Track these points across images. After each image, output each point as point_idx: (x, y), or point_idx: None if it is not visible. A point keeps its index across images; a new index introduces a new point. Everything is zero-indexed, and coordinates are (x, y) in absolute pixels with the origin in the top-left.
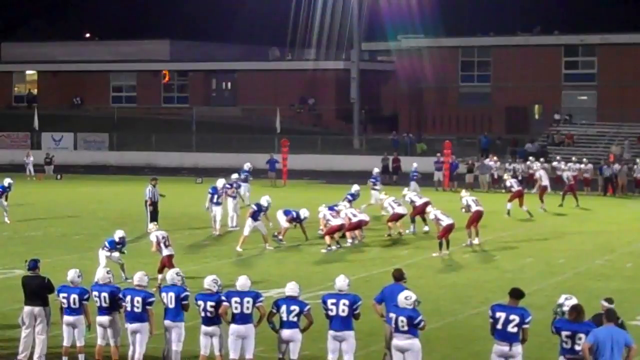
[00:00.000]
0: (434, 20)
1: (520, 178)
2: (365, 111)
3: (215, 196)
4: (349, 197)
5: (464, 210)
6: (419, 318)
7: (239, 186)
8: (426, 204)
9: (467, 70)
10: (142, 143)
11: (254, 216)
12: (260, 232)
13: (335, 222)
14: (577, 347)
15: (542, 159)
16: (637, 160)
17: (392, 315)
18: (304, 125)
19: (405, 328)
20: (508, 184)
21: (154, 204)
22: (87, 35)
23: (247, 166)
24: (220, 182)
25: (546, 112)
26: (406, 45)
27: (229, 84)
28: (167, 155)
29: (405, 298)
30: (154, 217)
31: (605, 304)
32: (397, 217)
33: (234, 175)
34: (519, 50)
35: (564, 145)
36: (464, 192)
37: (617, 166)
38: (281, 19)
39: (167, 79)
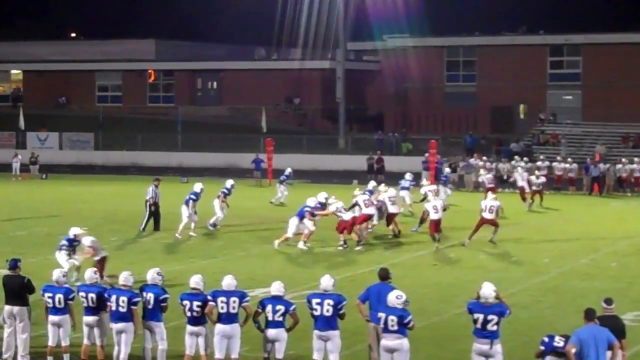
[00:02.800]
0: (419, 20)
1: (505, 177)
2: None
3: (191, 201)
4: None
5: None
6: (409, 318)
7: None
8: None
9: (452, 70)
10: (128, 142)
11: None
12: (303, 230)
13: (346, 216)
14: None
15: (525, 159)
16: (622, 159)
17: (382, 314)
18: (290, 124)
19: (395, 327)
20: (481, 179)
21: (156, 204)
22: (73, 34)
23: (288, 171)
24: (198, 186)
25: (531, 112)
26: (392, 44)
27: (215, 84)
28: (152, 154)
29: (397, 297)
30: (156, 218)
31: (604, 304)
32: (390, 216)
33: (230, 182)
34: (504, 50)
35: (548, 145)
36: (430, 197)
37: (603, 165)
38: (267, 18)
39: (152, 78)
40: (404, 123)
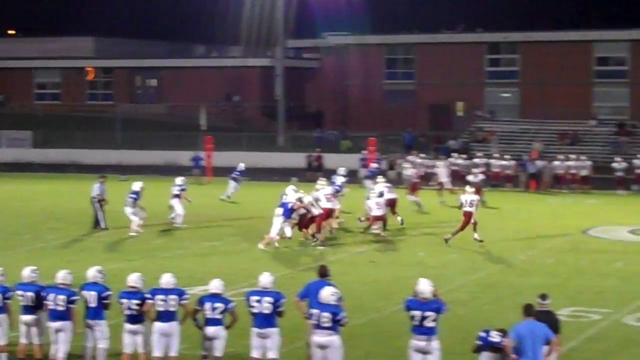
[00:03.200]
0: (359, 18)
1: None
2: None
3: (132, 200)
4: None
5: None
6: (342, 314)
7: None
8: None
9: (391, 68)
10: (66, 140)
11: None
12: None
13: (316, 211)
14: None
15: (464, 155)
16: (558, 156)
17: (315, 311)
18: (229, 122)
19: (328, 324)
20: (406, 172)
21: (102, 201)
22: (11, 32)
23: (241, 166)
24: (137, 185)
25: (469, 109)
26: (332, 42)
27: (154, 81)
28: (91, 152)
29: (331, 294)
30: (104, 213)
31: (539, 300)
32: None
33: (180, 179)
34: (442, 48)
35: (486, 142)
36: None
37: (540, 162)
38: (207, 16)
39: (91, 76)
40: (343, 120)
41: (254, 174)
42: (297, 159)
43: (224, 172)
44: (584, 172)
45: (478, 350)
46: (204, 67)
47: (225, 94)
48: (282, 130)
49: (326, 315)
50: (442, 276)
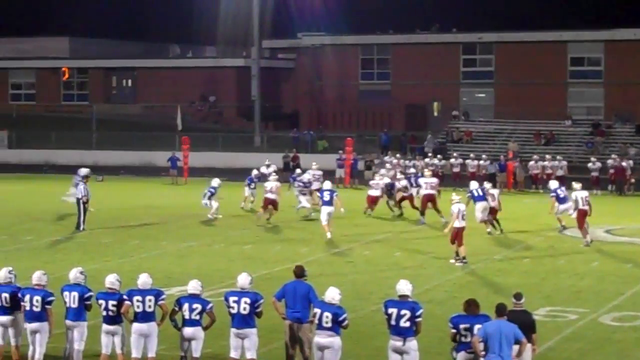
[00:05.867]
0: (335, 18)
1: (419, 175)
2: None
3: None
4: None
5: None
6: (344, 316)
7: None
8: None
9: (367, 68)
10: (42, 141)
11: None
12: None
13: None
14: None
15: (439, 156)
16: (534, 156)
17: (317, 310)
18: (205, 122)
19: (329, 325)
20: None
21: (87, 202)
22: None
23: (254, 173)
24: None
25: (445, 110)
26: (307, 42)
27: (129, 82)
28: (66, 153)
29: (339, 293)
30: (85, 215)
31: (513, 300)
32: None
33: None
34: (418, 48)
35: (462, 142)
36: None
37: (516, 163)
38: (182, 16)
39: (66, 76)
40: (319, 121)
41: (230, 174)
42: (273, 159)
43: (201, 172)
44: (559, 172)
45: (455, 337)
46: (179, 68)
47: (201, 95)
48: (259, 131)
49: (327, 315)
50: (419, 276)
